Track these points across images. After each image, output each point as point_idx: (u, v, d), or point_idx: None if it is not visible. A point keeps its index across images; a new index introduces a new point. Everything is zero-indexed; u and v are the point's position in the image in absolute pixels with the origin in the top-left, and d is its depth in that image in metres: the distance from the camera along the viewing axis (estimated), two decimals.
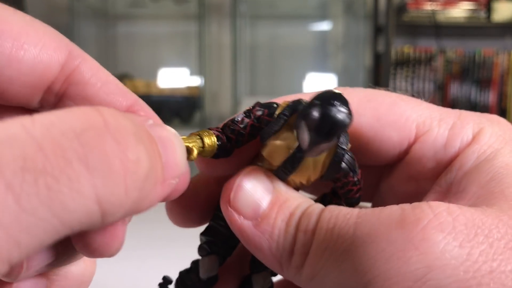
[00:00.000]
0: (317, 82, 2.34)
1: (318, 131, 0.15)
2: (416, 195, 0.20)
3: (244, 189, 0.18)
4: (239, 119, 0.19)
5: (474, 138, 0.19)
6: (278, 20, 2.34)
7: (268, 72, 2.36)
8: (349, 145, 0.18)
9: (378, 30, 2.22)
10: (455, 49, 2.22)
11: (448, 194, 0.18)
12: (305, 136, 0.16)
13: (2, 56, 0.16)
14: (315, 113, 0.15)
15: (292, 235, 0.17)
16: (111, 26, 2.33)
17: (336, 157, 0.18)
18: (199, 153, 0.18)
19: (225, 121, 0.20)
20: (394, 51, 2.16)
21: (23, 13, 0.17)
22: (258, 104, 0.19)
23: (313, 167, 0.18)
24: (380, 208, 0.17)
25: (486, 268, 0.14)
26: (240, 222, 0.18)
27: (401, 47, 2.23)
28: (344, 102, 0.15)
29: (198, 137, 0.19)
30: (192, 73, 2.29)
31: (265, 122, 0.18)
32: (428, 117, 0.20)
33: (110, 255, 0.15)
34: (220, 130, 0.19)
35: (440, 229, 0.15)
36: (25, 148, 0.11)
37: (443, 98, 2.24)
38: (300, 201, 0.18)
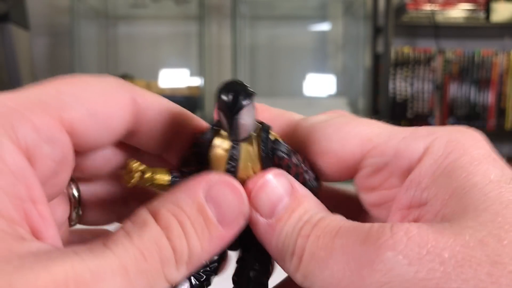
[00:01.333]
0: (317, 82, 2.35)
1: (226, 109, 0.18)
2: (384, 203, 0.20)
3: (266, 190, 0.20)
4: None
5: (428, 148, 0.19)
6: (278, 20, 2.35)
7: (268, 72, 2.36)
8: (275, 134, 0.21)
9: (377, 31, 2.22)
10: (454, 49, 2.23)
11: (411, 210, 0.19)
12: (224, 120, 0.19)
13: (94, 125, 0.19)
14: (221, 96, 0.19)
15: (295, 238, 0.19)
16: (112, 26, 2.34)
17: (262, 144, 0.20)
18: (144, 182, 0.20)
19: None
20: (393, 51, 2.17)
21: (95, 78, 0.20)
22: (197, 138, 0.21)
23: (251, 158, 0.20)
24: (358, 224, 0.18)
25: (432, 285, 0.15)
26: (256, 217, 0.20)
27: (401, 47, 2.23)
28: (241, 83, 0.19)
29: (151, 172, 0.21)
30: (192, 74, 2.30)
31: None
32: (378, 133, 0.20)
33: None
34: (177, 170, 0.21)
35: (393, 248, 0.16)
36: (135, 253, 0.16)
37: (442, 98, 2.25)
38: (311, 207, 0.20)
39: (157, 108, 0.21)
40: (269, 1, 2.27)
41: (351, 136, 0.21)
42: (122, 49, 2.33)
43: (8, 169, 0.16)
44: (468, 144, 0.19)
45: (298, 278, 0.19)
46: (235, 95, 0.19)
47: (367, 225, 0.17)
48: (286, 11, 2.32)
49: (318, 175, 0.22)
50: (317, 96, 2.33)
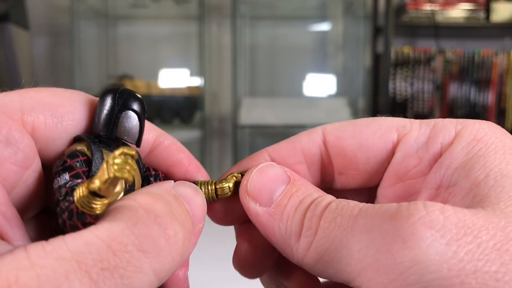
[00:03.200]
0: (317, 82, 2.35)
1: (143, 115, 0.20)
2: (407, 197, 0.20)
3: (263, 179, 0.20)
4: None
5: (458, 133, 0.19)
6: (278, 20, 2.35)
7: (268, 72, 2.36)
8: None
9: (377, 31, 2.22)
10: (454, 49, 2.22)
11: (440, 190, 0.19)
12: (131, 126, 0.20)
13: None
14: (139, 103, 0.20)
15: (299, 219, 0.18)
16: (112, 26, 2.33)
17: (138, 158, 0.21)
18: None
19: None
20: (393, 51, 2.17)
21: (55, 88, 0.21)
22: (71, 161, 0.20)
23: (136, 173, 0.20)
24: (383, 204, 0.17)
25: (471, 267, 0.14)
26: (255, 209, 0.20)
27: (401, 47, 2.23)
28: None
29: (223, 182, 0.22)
30: (192, 74, 2.30)
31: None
32: (408, 122, 0.21)
33: None
34: None
35: (430, 226, 0.15)
36: (99, 251, 0.15)
37: (442, 99, 2.25)
38: (311, 191, 0.20)
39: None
40: (269, 1, 2.27)
41: (385, 126, 0.21)
42: (122, 49, 2.33)
43: None
44: (499, 133, 0.19)
45: (308, 262, 0.18)
46: (142, 99, 0.20)
47: (392, 204, 0.17)
48: (286, 11, 2.32)
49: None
50: (317, 96, 2.33)
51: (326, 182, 0.23)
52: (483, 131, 0.19)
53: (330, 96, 2.33)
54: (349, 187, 0.23)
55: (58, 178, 0.18)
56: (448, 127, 0.20)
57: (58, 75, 2.31)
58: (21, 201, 0.19)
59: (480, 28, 2.20)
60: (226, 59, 2.27)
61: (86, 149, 0.19)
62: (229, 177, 0.22)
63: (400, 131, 0.21)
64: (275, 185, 0.20)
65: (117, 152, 0.15)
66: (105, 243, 0.15)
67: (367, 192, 0.24)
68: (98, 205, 0.16)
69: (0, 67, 1.63)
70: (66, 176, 0.18)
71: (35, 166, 0.19)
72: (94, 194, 0.16)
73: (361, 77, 2.27)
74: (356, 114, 2.18)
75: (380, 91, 2.18)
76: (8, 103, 0.18)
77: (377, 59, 2.23)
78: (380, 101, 2.18)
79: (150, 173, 0.22)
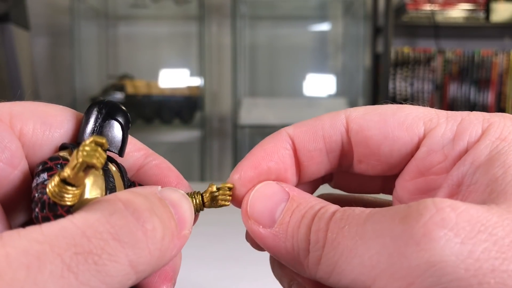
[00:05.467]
0: (317, 82, 2.35)
1: (127, 124, 0.21)
2: (427, 192, 0.20)
3: (261, 201, 0.20)
4: None
5: (484, 131, 0.19)
6: (278, 20, 2.35)
7: (268, 72, 2.36)
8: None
9: (377, 31, 2.23)
10: (454, 49, 2.23)
11: (461, 187, 0.18)
12: (113, 134, 0.20)
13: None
14: (122, 110, 0.20)
15: (305, 235, 0.18)
16: (112, 26, 2.33)
17: (122, 170, 0.21)
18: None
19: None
20: (393, 51, 2.17)
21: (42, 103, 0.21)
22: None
23: (116, 179, 0.20)
24: (391, 206, 0.17)
25: (488, 266, 0.14)
26: (259, 231, 0.20)
27: (400, 47, 2.24)
28: None
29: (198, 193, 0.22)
30: (192, 74, 2.30)
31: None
32: (435, 115, 0.20)
33: None
34: None
35: (442, 225, 0.15)
36: (74, 236, 0.15)
37: (442, 98, 2.25)
38: (312, 204, 0.19)
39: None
40: (269, 1, 2.27)
41: (411, 118, 0.20)
42: (122, 49, 2.33)
43: None
44: None
45: (321, 275, 0.18)
46: (125, 110, 0.20)
47: (400, 206, 0.16)
48: (286, 11, 2.32)
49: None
50: (317, 96, 2.34)
51: (343, 167, 0.23)
52: (507, 129, 0.19)
53: (330, 96, 2.33)
54: (366, 174, 0.22)
55: (37, 178, 0.18)
56: (475, 123, 0.19)
57: (58, 75, 2.31)
58: (8, 200, 0.19)
59: (480, 28, 2.21)
60: (226, 59, 2.27)
61: (68, 156, 0.19)
62: (209, 189, 0.22)
63: (427, 124, 0.20)
64: (275, 204, 0.20)
65: (87, 140, 0.15)
66: (80, 229, 0.15)
67: (382, 179, 0.24)
68: (70, 195, 0.16)
69: (0, 67, 1.63)
70: (45, 175, 0.18)
71: (22, 167, 0.19)
72: (65, 183, 0.16)
73: (361, 77, 2.27)
74: None
75: (380, 91, 2.18)
76: None
77: (377, 59, 2.23)
78: (380, 101, 2.17)
79: (135, 186, 0.22)
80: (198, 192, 0.22)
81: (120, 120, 0.20)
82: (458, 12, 2.14)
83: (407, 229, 0.15)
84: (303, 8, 2.35)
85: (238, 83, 2.17)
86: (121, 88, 2.05)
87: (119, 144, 0.20)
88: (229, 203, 0.22)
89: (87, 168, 0.15)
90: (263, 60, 2.35)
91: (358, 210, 0.18)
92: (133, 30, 2.34)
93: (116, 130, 0.20)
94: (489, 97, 2.23)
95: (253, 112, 2.08)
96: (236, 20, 2.14)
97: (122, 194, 0.17)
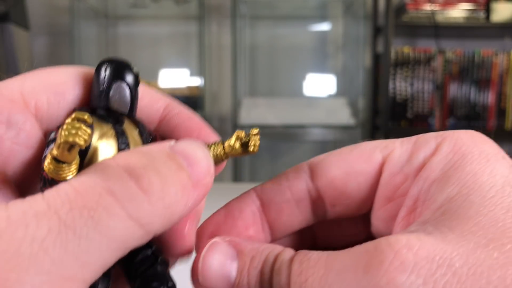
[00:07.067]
0: (317, 82, 2.35)
1: (134, 83, 0.20)
2: (397, 215, 0.20)
3: (211, 268, 0.19)
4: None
5: (438, 146, 0.19)
6: (278, 20, 2.35)
7: (268, 72, 2.36)
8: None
9: (377, 31, 2.23)
10: (454, 49, 2.23)
11: (417, 203, 0.19)
12: (121, 95, 0.20)
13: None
14: (131, 69, 0.20)
15: None
16: (112, 26, 2.34)
17: (141, 129, 0.21)
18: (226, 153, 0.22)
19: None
20: (393, 51, 2.17)
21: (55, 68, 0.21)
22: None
23: (134, 142, 0.20)
24: (347, 250, 0.17)
25: None
26: None
27: (401, 47, 2.23)
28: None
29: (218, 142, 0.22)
30: (192, 74, 2.30)
31: None
32: (390, 142, 0.21)
33: (184, 253, 0.21)
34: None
35: (403, 269, 0.15)
36: (68, 193, 0.15)
37: (442, 98, 2.25)
38: (265, 252, 0.19)
39: None
40: (269, 1, 2.27)
41: (368, 149, 0.21)
42: (122, 49, 2.33)
43: None
44: (478, 141, 0.19)
45: None
46: (133, 68, 0.20)
47: (356, 249, 0.16)
48: (286, 11, 2.32)
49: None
50: (317, 96, 2.34)
51: (319, 216, 0.23)
52: (461, 141, 0.19)
53: (330, 96, 2.33)
54: (344, 216, 0.23)
55: (46, 149, 0.18)
56: (428, 140, 0.20)
57: None
58: (29, 181, 0.19)
59: (480, 28, 2.21)
60: (226, 59, 2.27)
61: None
62: (234, 136, 0.22)
63: (383, 151, 0.21)
64: (226, 267, 0.19)
65: (68, 119, 0.15)
66: (73, 187, 0.15)
67: (362, 219, 0.23)
68: (65, 170, 0.16)
69: (0, 67, 1.63)
70: (52, 146, 0.18)
71: (40, 145, 0.20)
72: (57, 161, 0.16)
73: (361, 77, 2.27)
74: (356, 114, 2.19)
75: (380, 91, 2.18)
76: (8, 88, 0.19)
77: (377, 59, 2.23)
78: (380, 101, 2.18)
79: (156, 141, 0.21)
80: (220, 141, 0.22)
81: (127, 79, 0.19)
82: (458, 12, 2.14)
83: (372, 280, 0.15)
84: (303, 8, 2.35)
85: (238, 83, 2.17)
86: None
87: (128, 105, 0.20)
88: (256, 148, 0.22)
89: (72, 146, 0.15)
90: (263, 60, 2.35)
91: (314, 255, 0.17)
92: (133, 30, 2.34)
93: (124, 90, 0.20)
94: (489, 97, 2.23)
95: (253, 112, 2.08)
96: (236, 20, 2.14)
97: (121, 155, 0.17)
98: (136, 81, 0.20)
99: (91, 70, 0.21)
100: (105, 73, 0.19)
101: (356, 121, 2.13)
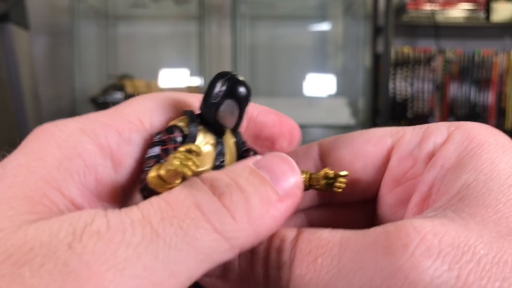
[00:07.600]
0: (317, 82, 2.35)
1: (243, 101, 0.20)
2: (407, 200, 0.20)
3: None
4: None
5: (451, 133, 0.19)
6: (278, 20, 2.35)
7: (268, 72, 2.36)
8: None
9: (377, 31, 2.22)
10: (454, 49, 2.23)
11: (432, 190, 0.19)
12: (229, 113, 0.20)
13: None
14: (239, 88, 0.20)
15: (262, 272, 0.18)
16: (112, 26, 2.33)
17: (238, 138, 0.21)
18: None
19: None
20: (393, 51, 2.17)
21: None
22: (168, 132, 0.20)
23: (230, 152, 0.21)
24: (363, 231, 0.16)
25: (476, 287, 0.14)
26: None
27: (401, 47, 2.23)
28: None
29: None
30: (192, 73, 2.30)
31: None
32: (401, 128, 0.21)
33: None
34: None
35: (428, 255, 0.15)
36: (160, 205, 0.16)
37: (442, 98, 2.25)
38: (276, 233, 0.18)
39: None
40: (269, 1, 2.27)
41: (379, 134, 0.21)
42: (122, 49, 2.33)
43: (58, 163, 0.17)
44: (493, 132, 0.19)
45: None
46: (248, 87, 0.20)
47: (374, 230, 0.16)
48: (286, 11, 2.32)
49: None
50: (317, 96, 2.33)
51: (324, 197, 0.23)
52: (476, 131, 0.19)
53: (330, 96, 2.33)
54: (348, 200, 0.23)
55: (150, 150, 0.19)
56: (440, 128, 0.20)
57: (58, 75, 2.30)
58: (130, 185, 0.20)
59: (480, 28, 2.21)
60: (226, 59, 2.27)
61: (184, 125, 0.20)
62: (322, 172, 0.22)
63: (394, 136, 0.21)
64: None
65: (182, 148, 0.17)
66: (164, 200, 0.16)
67: (366, 205, 0.23)
68: (165, 188, 0.17)
69: (0, 67, 1.63)
70: (157, 149, 0.19)
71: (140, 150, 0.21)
72: (161, 179, 0.17)
73: (361, 77, 2.27)
74: (356, 114, 2.18)
75: (380, 91, 2.18)
76: (124, 111, 0.20)
77: (377, 59, 2.23)
78: (380, 101, 2.18)
79: (248, 155, 0.22)
80: (308, 172, 0.22)
81: (239, 99, 0.20)
82: (458, 12, 2.14)
83: (393, 261, 0.15)
84: (303, 8, 2.35)
85: None
86: (120, 88, 2.05)
87: (234, 122, 0.21)
88: (341, 190, 0.22)
89: (179, 173, 0.17)
90: (263, 60, 2.35)
91: (326, 234, 0.17)
92: (133, 30, 2.34)
93: (234, 108, 0.20)
94: (490, 97, 2.23)
95: None
96: (236, 20, 2.13)
97: (208, 173, 0.18)
98: (247, 101, 0.20)
99: (176, 95, 0.22)
100: (221, 87, 0.20)
101: (356, 121, 2.13)
